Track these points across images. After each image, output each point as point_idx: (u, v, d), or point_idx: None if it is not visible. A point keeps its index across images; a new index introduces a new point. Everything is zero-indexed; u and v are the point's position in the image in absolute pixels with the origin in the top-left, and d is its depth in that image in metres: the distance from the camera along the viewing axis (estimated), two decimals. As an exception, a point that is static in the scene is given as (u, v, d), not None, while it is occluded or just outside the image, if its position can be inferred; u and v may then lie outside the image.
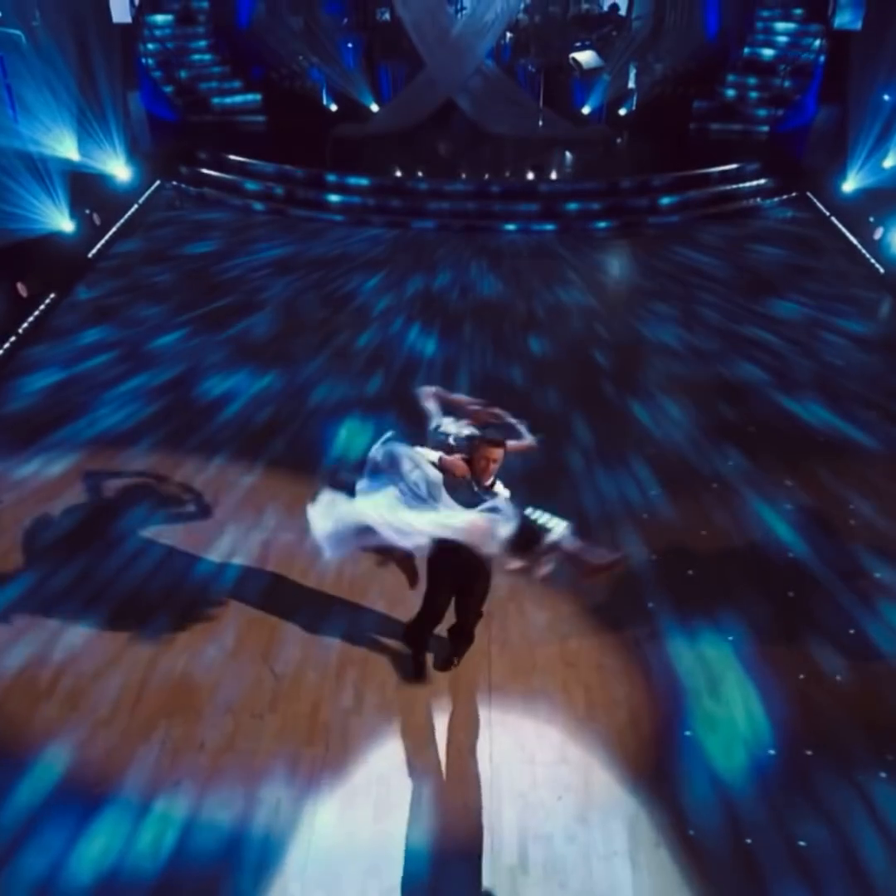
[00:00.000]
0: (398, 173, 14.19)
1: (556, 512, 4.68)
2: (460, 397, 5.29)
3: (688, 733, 5.03)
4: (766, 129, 16.07)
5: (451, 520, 4.48)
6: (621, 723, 5.10)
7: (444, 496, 4.54)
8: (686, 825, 4.54)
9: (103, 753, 4.87)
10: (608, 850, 4.43)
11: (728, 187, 14.11)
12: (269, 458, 7.53)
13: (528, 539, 4.53)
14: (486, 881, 4.29)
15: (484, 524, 4.46)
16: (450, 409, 5.07)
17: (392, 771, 4.82)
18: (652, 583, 6.17)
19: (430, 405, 4.98)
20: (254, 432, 7.92)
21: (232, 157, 14.54)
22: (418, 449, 4.71)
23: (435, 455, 4.64)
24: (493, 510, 4.49)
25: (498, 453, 4.63)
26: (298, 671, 5.43)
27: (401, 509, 4.49)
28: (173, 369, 8.97)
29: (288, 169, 14.12)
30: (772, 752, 4.93)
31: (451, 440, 4.74)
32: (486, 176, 14.17)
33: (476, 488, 4.60)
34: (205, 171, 14.47)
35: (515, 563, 4.71)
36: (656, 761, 4.88)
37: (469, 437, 4.71)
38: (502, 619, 5.78)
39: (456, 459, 4.60)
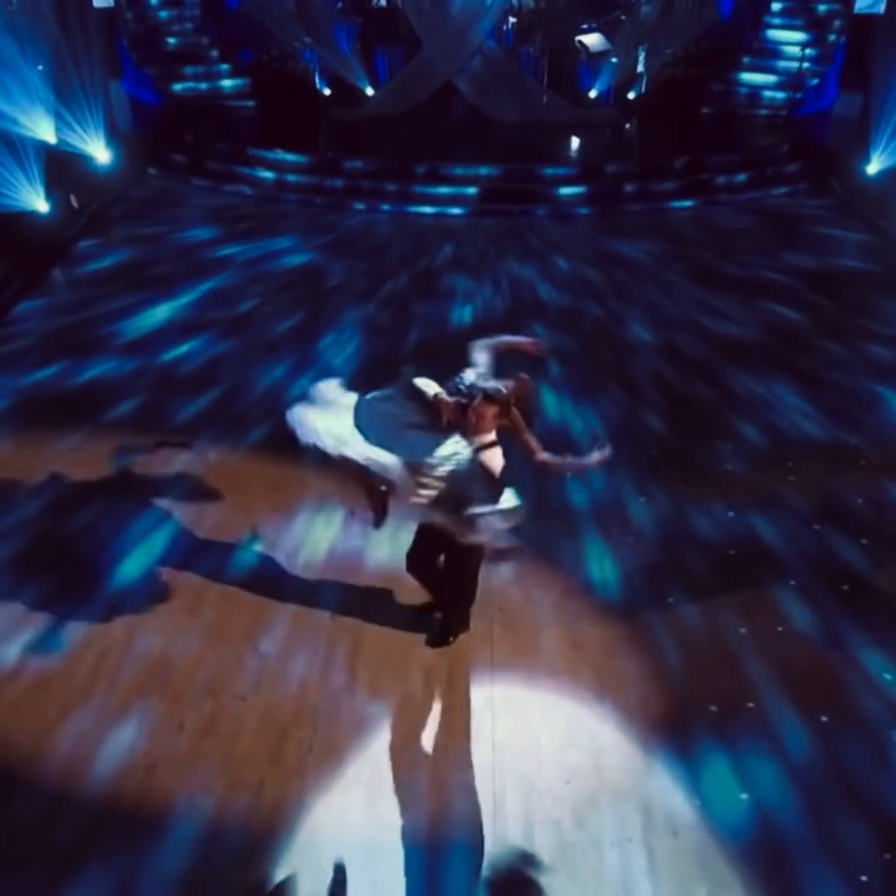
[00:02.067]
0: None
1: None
2: (520, 339, 5.19)
3: (711, 708, 4.93)
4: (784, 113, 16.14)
5: (378, 456, 4.49)
6: (633, 705, 5.01)
7: (411, 433, 4.52)
8: (704, 811, 4.43)
9: (75, 736, 4.76)
10: (621, 836, 4.33)
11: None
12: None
13: (456, 503, 4.48)
14: (489, 867, 4.18)
15: (404, 474, 4.46)
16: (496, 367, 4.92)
17: (386, 754, 4.73)
18: (667, 566, 6.09)
19: (481, 358, 4.86)
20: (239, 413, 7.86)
21: (219, 142, 14.61)
22: (425, 380, 4.65)
23: (434, 390, 4.58)
24: (434, 459, 4.45)
25: (491, 411, 4.55)
26: (285, 652, 5.34)
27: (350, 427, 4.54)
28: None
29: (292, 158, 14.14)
30: (799, 733, 4.83)
31: (462, 386, 4.64)
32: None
33: (458, 439, 4.55)
34: (190, 155, 14.49)
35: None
36: (672, 744, 4.78)
37: (474, 386, 4.61)
38: (506, 602, 5.70)
39: (450, 401, 4.53)
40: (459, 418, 4.55)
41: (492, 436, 4.65)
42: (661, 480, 6.98)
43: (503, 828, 4.36)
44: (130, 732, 4.80)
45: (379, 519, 5.10)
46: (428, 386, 4.64)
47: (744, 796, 4.51)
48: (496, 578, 5.78)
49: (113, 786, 4.51)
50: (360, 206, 13.43)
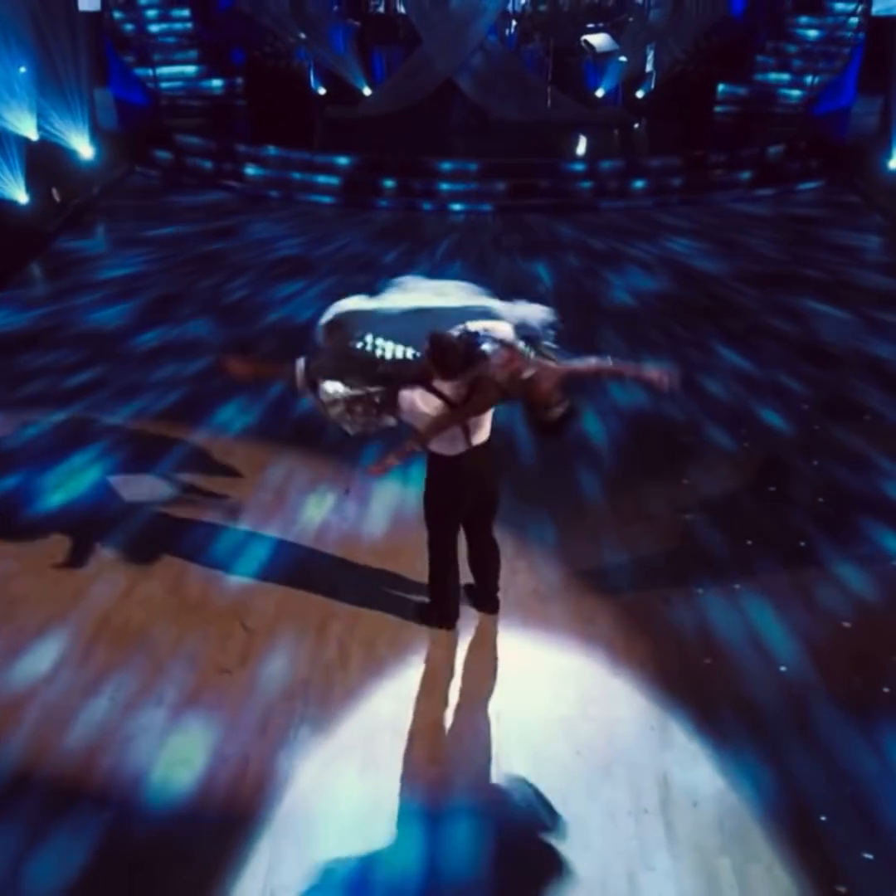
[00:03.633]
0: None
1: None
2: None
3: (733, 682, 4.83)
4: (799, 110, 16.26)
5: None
6: (649, 677, 4.91)
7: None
8: (726, 781, 4.31)
9: (41, 712, 4.65)
10: (636, 807, 4.20)
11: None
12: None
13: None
14: (493, 838, 4.05)
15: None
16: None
17: (381, 727, 4.61)
18: (683, 539, 6.01)
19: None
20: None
21: (209, 140, 14.73)
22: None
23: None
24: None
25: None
26: (274, 626, 5.25)
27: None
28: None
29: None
30: (824, 703, 4.72)
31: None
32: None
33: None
34: (178, 153, 14.61)
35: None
36: (691, 716, 4.66)
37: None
38: (510, 575, 5.59)
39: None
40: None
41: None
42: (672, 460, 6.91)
43: (507, 798, 4.25)
44: (103, 705, 4.70)
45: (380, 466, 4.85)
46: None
47: (769, 767, 4.38)
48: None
49: (84, 759, 4.40)
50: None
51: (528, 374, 4.46)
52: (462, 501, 4.79)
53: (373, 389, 4.58)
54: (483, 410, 4.56)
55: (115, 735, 4.52)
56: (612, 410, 7.54)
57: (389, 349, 4.64)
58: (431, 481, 4.80)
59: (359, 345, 4.60)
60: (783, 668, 4.96)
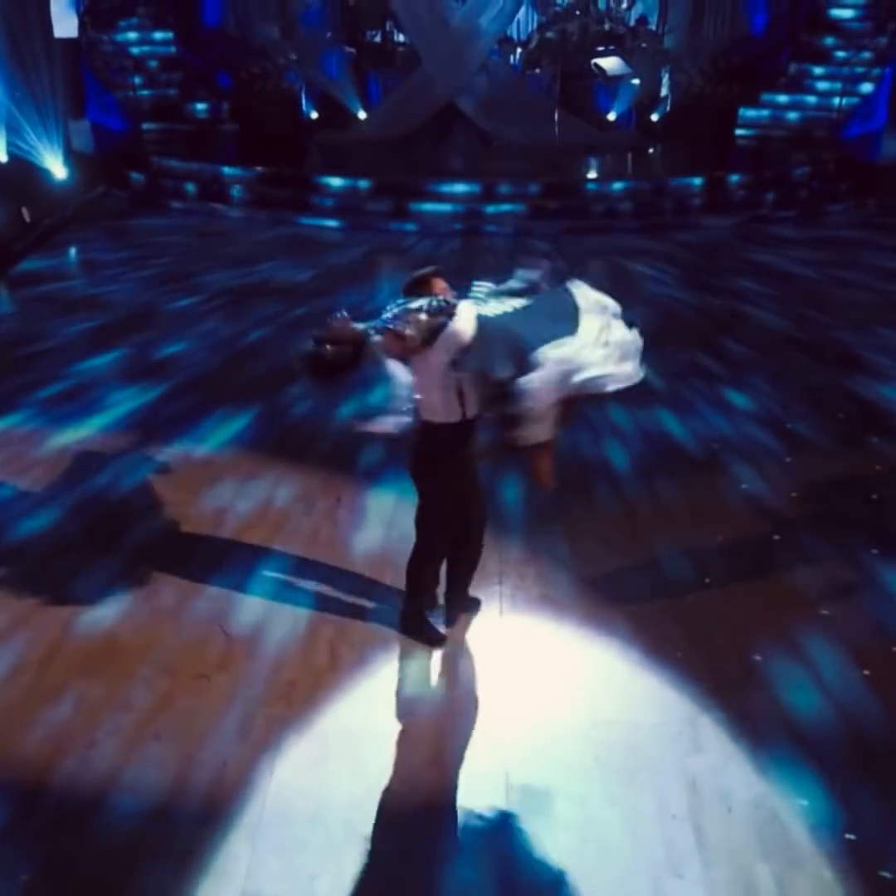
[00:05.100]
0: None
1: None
2: None
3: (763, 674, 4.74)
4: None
5: None
6: (674, 682, 4.83)
7: None
8: (769, 789, 4.20)
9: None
10: (662, 813, 4.09)
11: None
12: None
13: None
14: (500, 842, 3.95)
15: None
16: None
17: (372, 732, 4.53)
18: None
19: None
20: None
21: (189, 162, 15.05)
22: None
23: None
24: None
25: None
26: (258, 631, 5.19)
27: None
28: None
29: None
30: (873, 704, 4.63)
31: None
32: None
33: None
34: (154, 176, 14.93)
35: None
36: (722, 721, 4.57)
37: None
38: (519, 581, 5.58)
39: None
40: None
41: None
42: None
43: (518, 802, 4.14)
44: (66, 711, 4.61)
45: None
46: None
47: (812, 767, 4.28)
48: (506, 559, 5.74)
49: (43, 761, 4.31)
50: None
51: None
52: (469, 468, 4.82)
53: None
54: None
55: (79, 739, 4.43)
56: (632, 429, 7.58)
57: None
58: (439, 450, 4.70)
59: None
60: (823, 671, 4.88)
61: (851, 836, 3.96)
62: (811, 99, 17.36)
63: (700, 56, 17.55)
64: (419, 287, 4.62)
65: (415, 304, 4.42)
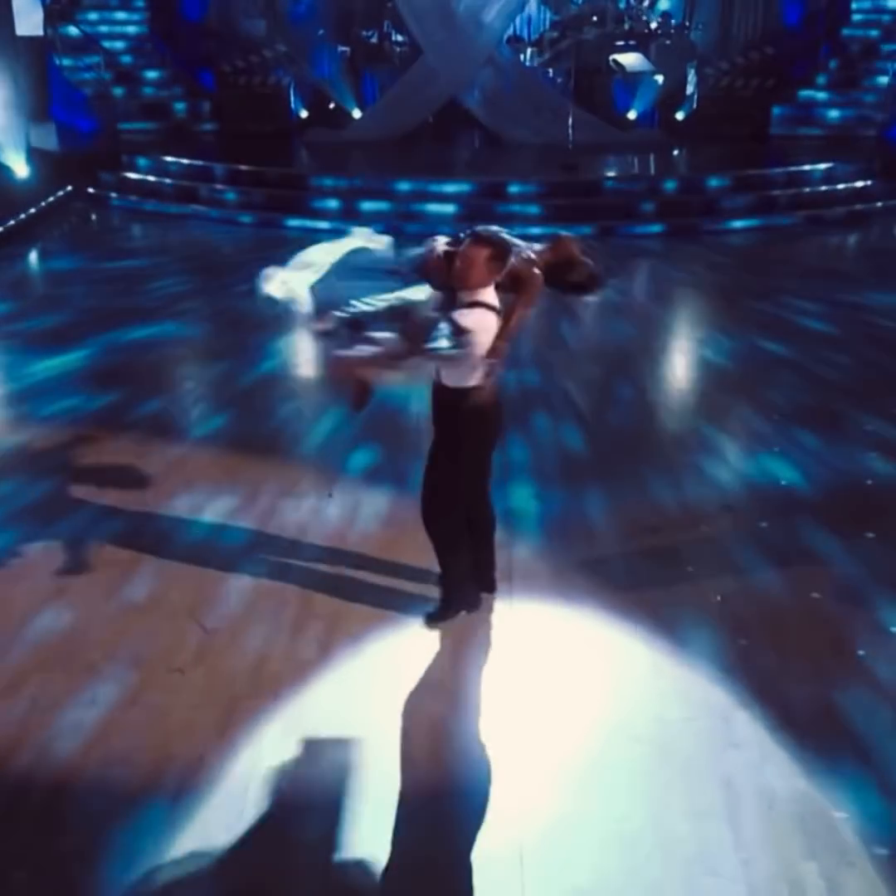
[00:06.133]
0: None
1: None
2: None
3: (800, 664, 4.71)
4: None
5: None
6: (702, 672, 4.87)
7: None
8: (813, 785, 4.16)
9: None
10: (694, 810, 4.04)
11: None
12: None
13: None
14: (513, 836, 3.89)
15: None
16: None
17: (369, 722, 4.56)
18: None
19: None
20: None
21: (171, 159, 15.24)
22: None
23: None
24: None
25: (482, 255, 4.55)
26: (239, 625, 5.22)
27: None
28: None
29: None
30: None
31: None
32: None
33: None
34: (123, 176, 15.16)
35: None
36: (759, 716, 4.55)
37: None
38: (527, 580, 5.62)
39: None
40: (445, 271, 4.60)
41: (484, 295, 4.59)
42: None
43: (529, 797, 4.13)
44: (22, 707, 4.60)
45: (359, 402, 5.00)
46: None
47: (860, 764, 4.25)
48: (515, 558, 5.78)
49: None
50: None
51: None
52: (497, 433, 4.94)
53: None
54: (535, 300, 4.86)
55: (37, 734, 4.41)
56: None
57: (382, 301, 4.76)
58: (471, 415, 4.73)
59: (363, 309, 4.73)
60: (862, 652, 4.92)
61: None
62: (856, 95, 17.48)
63: (729, 50, 17.70)
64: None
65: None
